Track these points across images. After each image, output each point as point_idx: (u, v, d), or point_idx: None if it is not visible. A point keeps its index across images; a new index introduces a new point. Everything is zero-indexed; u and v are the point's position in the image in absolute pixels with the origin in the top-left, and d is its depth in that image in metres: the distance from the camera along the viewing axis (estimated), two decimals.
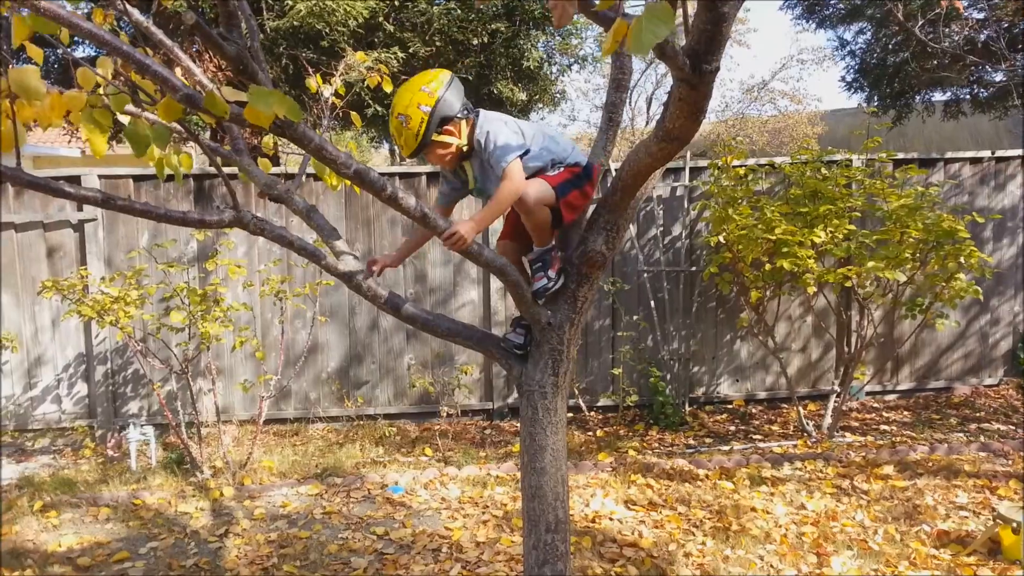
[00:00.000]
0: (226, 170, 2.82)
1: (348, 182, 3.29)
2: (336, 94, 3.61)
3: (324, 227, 2.64)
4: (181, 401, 6.02)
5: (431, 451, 5.82)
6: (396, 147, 2.72)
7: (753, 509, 4.52)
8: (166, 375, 6.04)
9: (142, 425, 5.75)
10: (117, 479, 5.29)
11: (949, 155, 6.87)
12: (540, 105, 11.61)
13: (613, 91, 2.55)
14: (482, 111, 2.60)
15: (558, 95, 11.64)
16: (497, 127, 2.54)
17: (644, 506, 4.65)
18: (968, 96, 12.65)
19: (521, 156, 2.51)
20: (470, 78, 9.71)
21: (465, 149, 2.57)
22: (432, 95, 2.43)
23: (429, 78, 2.46)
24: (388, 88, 3.58)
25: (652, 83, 22.62)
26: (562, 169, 2.62)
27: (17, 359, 6.21)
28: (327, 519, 4.61)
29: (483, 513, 4.62)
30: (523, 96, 10.39)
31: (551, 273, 2.54)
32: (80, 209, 6.15)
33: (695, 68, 1.55)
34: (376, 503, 4.85)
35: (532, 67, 9.99)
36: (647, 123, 22.41)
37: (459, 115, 2.51)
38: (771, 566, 3.80)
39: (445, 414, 6.13)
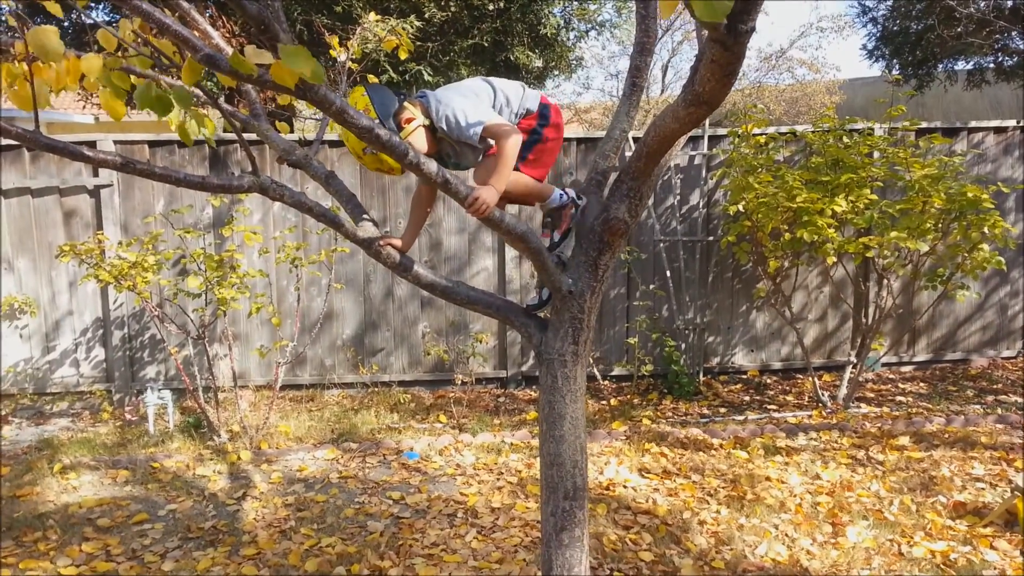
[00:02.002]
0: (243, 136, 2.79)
1: (362, 156, 3.27)
2: (353, 59, 3.56)
3: (343, 193, 2.62)
4: (198, 366, 6.07)
5: (445, 418, 5.85)
6: (384, 174, 2.79)
7: (768, 479, 4.52)
8: (183, 340, 6.07)
9: (159, 389, 5.80)
10: (135, 442, 5.35)
11: (973, 124, 6.75)
12: (556, 72, 11.47)
13: (637, 55, 2.50)
14: (428, 94, 2.61)
15: (574, 62, 11.49)
16: (453, 106, 2.54)
17: (658, 474, 4.66)
18: (992, 65, 12.40)
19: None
20: (485, 44, 9.59)
21: (428, 124, 2.58)
22: (367, 109, 2.46)
23: (360, 99, 2.49)
24: (404, 54, 3.54)
25: (668, 51, 22.25)
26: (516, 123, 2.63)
27: (35, 323, 6.26)
28: (343, 483, 4.65)
29: (498, 479, 4.65)
30: (539, 63, 10.26)
31: (555, 235, 2.56)
32: (96, 175, 6.16)
33: (730, 28, 1.50)
34: (391, 468, 4.89)
35: (549, 33, 9.85)
36: (663, 91, 22.11)
37: (401, 103, 2.54)
38: (786, 535, 3.81)
39: (459, 382, 6.15)
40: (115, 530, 4.07)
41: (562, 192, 2.71)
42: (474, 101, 2.57)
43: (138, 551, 3.82)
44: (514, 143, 2.45)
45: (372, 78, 3.66)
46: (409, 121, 2.54)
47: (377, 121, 2.40)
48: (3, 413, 6.17)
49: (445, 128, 2.55)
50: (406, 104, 2.55)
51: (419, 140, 2.57)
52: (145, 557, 3.74)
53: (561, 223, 2.60)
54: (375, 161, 2.51)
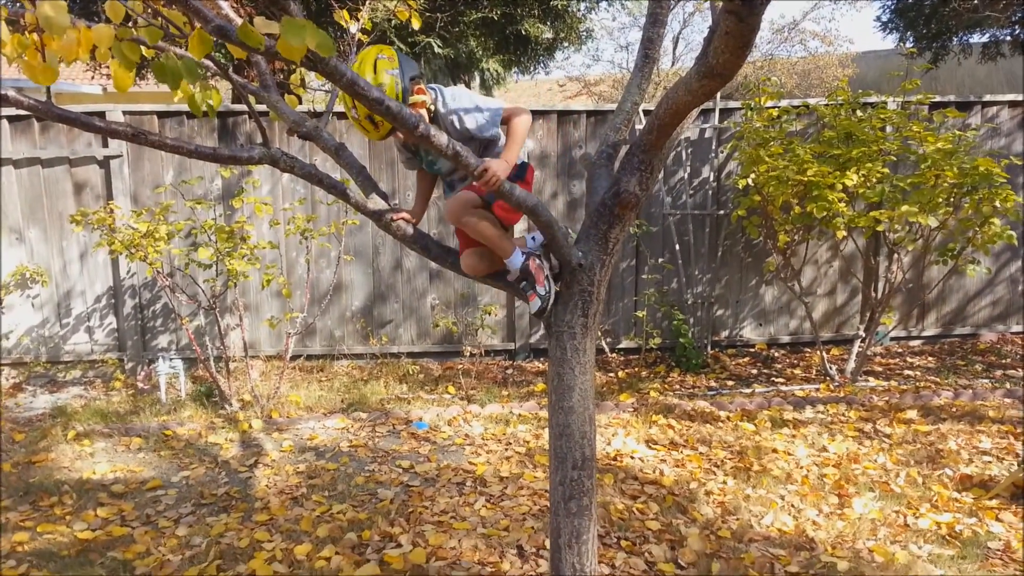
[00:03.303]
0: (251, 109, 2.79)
1: (363, 122, 3.26)
2: (363, 30, 3.54)
3: (353, 165, 2.62)
4: (209, 336, 6.12)
5: (454, 389, 5.89)
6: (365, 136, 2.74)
7: (774, 451, 4.55)
8: (194, 310, 6.12)
9: (171, 358, 5.86)
10: (148, 411, 5.42)
11: (987, 98, 6.68)
12: (566, 44, 11.37)
13: (650, 26, 2.48)
14: (437, 86, 2.61)
15: (584, 34, 11.38)
16: (469, 95, 2.59)
17: (665, 446, 4.70)
18: (1008, 37, 12.22)
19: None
20: (495, 16, 9.50)
21: (432, 109, 2.57)
22: (391, 60, 2.43)
23: (374, 51, 2.44)
24: (417, 24, 3.52)
25: (679, 22, 21.99)
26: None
27: (47, 293, 6.31)
28: (354, 452, 4.71)
29: (506, 449, 4.70)
30: (549, 34, 10.17)
31: (539, 289, 2.52)
32: (106, 145, 6.17)
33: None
34: (401, 438, 4.94)
35: (559, 5, 9.75)
36: (673, 64, 21.87)
37: (420, 73, 2.54)
38: (792, 506, 3.85)
39: (468, 353, 6.18)
40: (129, 496, 4.14)
41: (525, 251, 2.62)
42: (483, 100, 2.63)
43: (152, 516, 3.89)
44: (527, 121, 2.54)
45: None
46: (421, 92, 2.54)
47: (393, 82, 2.39)
48: (17, 381, 6.24)
49: (456, 113, 2.56)
50: (420, 78, 2.55)
51: (421, 111, 2.58)
52: (159, 522, 3.81)
53: (536, 276, 2.55)
54: (370, 125, 2.49)
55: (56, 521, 3.82)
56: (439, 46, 9.57)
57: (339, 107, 5.73)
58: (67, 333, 6.39)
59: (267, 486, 4.24)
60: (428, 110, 2.59)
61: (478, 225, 2.56)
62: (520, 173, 2.66)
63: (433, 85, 2.64)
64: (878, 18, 13.43)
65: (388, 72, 2.40)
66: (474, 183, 2.62)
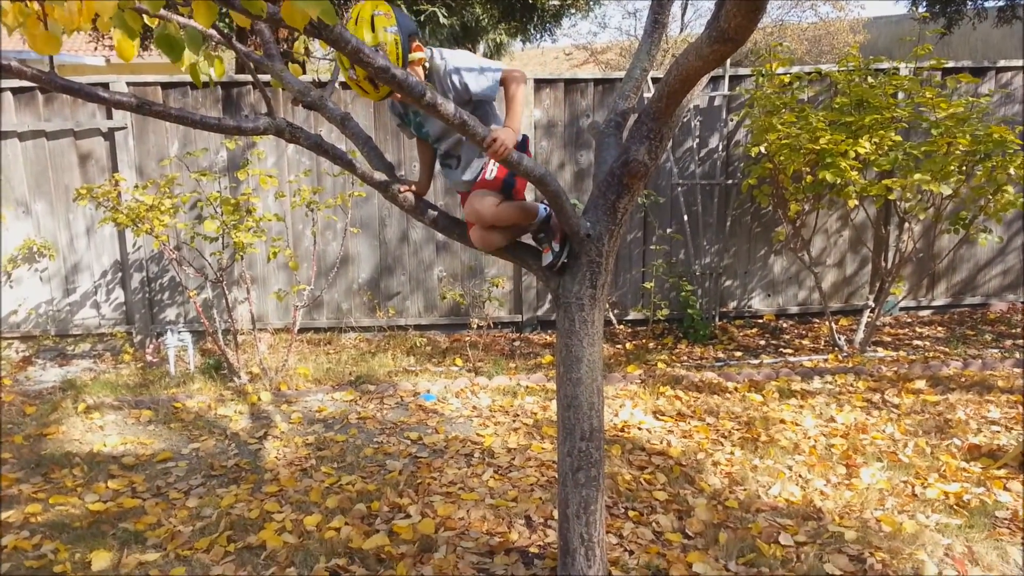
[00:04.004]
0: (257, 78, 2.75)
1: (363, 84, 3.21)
2: None
3: (359, 135, 2.60)
4: (217, 309, 6.13)
5: (461, 361, 5.90)
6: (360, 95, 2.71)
7: (782, 421, 4.55)
8: (201, 283, 6.12)
9: (179, 331, 5.88)
10: (157, 383, 5.44)
11: (1002, 63, 6.56)
12: (572, 11, 11.21)
13: None
14: (432, 48, 2.60)
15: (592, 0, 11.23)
16: (468, 56, 2.57)
17: (673, 417, 4.70)
18: None
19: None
20: None
21: (427, 67, 2.55)
22: (388, 16, 2.38)
23: (371, 7, 2.37)
24: None
25: None
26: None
27: (55, 266, 6.32)
28: (362, 424, 4.73)
29: (513, 421, 4.71)
30: (555, 1, 10.03)
31: (555, 245, 2.53)
32: (110, 117, 6.13)
33: None
34: (409, 410, 4.96)
35: None
36: (682, 30, 21.59)
37: (417, 32, 2.51)
38: (800, 476, 3.85)
39: (475, 326, 6.18)
40: (140, 468, 4.17)
41: (544, 205, 2.69)
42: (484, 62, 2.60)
43: (163, 488, 3.92)
44: (526, 85, 2.55)
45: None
46: (419, 49, 2.50)
47: (395, 40, 2.35)
48: (27, 354, 6.28)
49: (458, 71, 2.52)
50: (416, 40, 2.51)
51: (419, 69, 2.55)
52: (170, 494, 3.84)
53: (555, 234, 2.57)
54: (369, 87, 2.44)
55: (68, 493, 3.86)
56: (444, 15, 9.44)
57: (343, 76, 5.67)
58: (75, 306, 6.41)
59: (276, 458, 4.26)
60: (424, 67, 2.55)
61: (506, 215, 2.56)
62: (521, 145, 2.64)
63: (428, 47, 2.61)
64: None
65: (387, 30, 2.35)
66: (483, 176, 2.61)
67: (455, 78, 2.53)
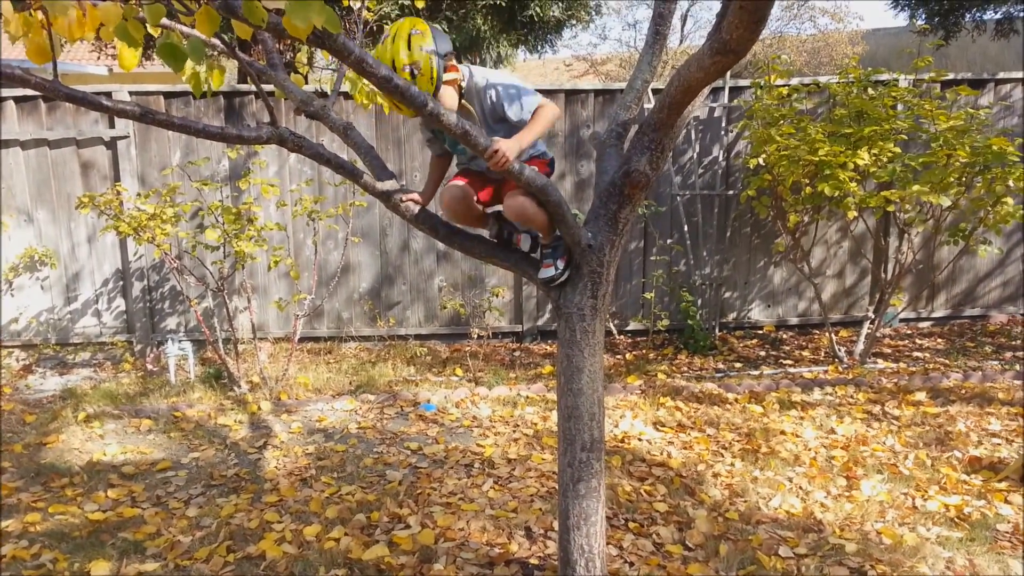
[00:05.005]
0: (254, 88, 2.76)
1: (379, 100, 3.23)
2: (368, 8, 3.51)
3: (361, 145, 2.61)
4: (217, 318, 6.13)
5: (461, 371, 5.90)
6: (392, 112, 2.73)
7: (782, 432, 4.54)
8: (202, 292, 6.13)
9: (180, 340, 5.87)
10: (157, 392, 5.44)
11: (1001, 76, 6.59)
12: (573, 22, 11.26)
13: (661, 1, 2.44)
14: (470, 66, 2.61)
15: (593, 8, 11.28)
16: (506, 77, 2.57)
17: (673, 428, 4.69)
18: (1022, 13, 12.05)
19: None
20: (502, 2, 9.40)
21: (463, 86, 2.57)
22: (424, 35, 2.38)
23: (408, 25, 2.39)
24: (420, 3, 3.48)
25: None
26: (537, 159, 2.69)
27: (56, 275, 6.32)
28: (362, 434, 4.72)
29: (514, 431, 4.70)
30: (556, 13, 10.07)
31: (559, 264, 2.54)
32: (112, 126, 6.15)
33: None
34: (409, 420, 4.95)
35: None
36: (681, 42, 21.70)
37: (452, 51, 2.52)
38: (800, 488, 3.84)
39: (475, 336, 6.18)
40: (139, 477, 4.17)
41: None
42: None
43: (162, 497, 3.91)
44: (554, 113, 2.54)
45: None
46: (454, 69, 2.51)
47: (429, 59, 2.37)
48: (27, 363, 6.27)
49: (494, 87, 2.53)
50: (451, 59, 2.52)
51: (451, 97, 2.54)
52: (169, 503, 3.83)
53: (563, 253, 2.56)
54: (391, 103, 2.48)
55: (67, 502, 3.85)
56: (446, 29, 9.49)
57: (345, 87, 5.71)
58: (76, 315, 6.41)
59: (276, 467, 4.25)
60: (459, 87, 2.57)
61: (534, 214, 2.53)
62: (550, 165, 2.74)
63: (466, 66, 2.64)
64: None
65: (423, 49, 2.36)
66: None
67: (491, 92, 2.55)
